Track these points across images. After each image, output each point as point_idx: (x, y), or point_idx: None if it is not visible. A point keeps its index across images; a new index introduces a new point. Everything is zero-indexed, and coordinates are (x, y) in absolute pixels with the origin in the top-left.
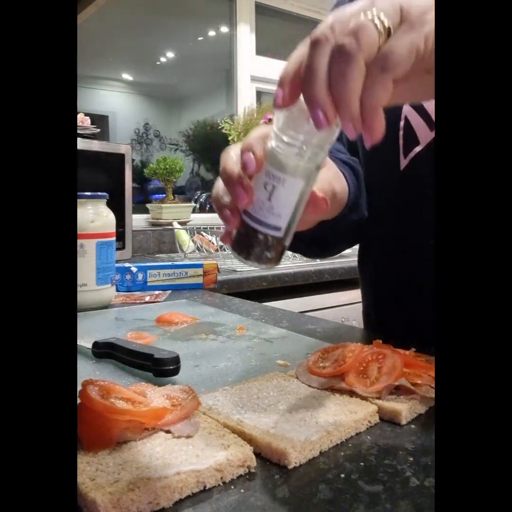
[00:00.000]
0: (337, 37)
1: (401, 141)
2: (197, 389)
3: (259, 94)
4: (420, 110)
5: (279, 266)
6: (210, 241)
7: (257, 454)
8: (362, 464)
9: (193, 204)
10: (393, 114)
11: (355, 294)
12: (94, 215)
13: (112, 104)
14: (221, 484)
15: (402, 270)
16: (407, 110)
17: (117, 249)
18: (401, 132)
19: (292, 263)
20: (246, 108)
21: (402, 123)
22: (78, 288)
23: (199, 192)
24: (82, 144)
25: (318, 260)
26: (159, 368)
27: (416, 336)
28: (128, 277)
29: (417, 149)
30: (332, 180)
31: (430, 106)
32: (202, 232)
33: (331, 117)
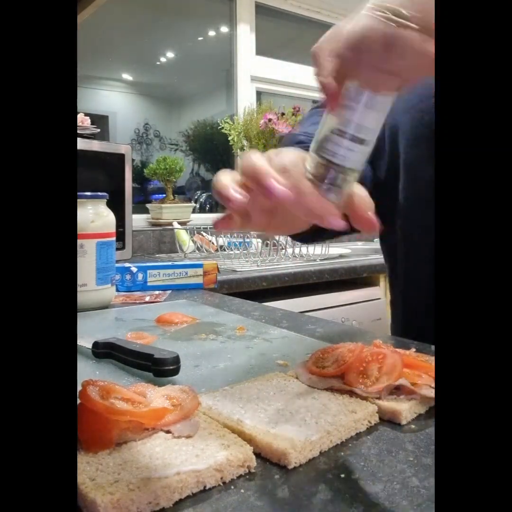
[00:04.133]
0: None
1: None
2: (197, 389)
3: (259, 94)
4: None
5: (279, 266)
6: (210, 241)
7: (257, 454)
8: (362, 464)
9: (193, 204)
10: (433, 102)
11: (355, 294)
12: (94, 215)
13: (112, 104)
14: (221, 484)
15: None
16: None
17: (117, 249)
18: None
19: (292, 263)
20: (246, 108)
21: None
22: (78, 288)
23: (199, 192)
24: (82, 144)
25: (317, 260)
26: (159, 368)
27: None
28: (128, 277)
29: None
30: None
31: None
32: (202, 232)
33: None
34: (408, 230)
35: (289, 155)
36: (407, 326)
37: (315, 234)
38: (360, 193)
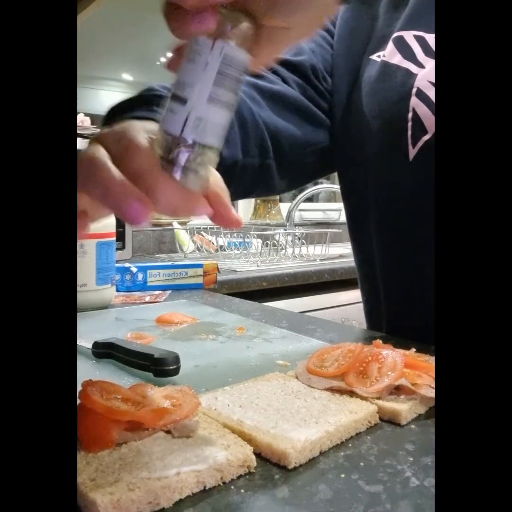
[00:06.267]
0: None
1: (409, 132)
2: (197, 389)
3: None
4: (426, 101)
5: (279, 266)
6: (210, 241)
7: (257, 454)
8: (362, 464)
9: None
10: (400, 108)
11: (355, 294)
12: None
13: (112, 104)
14: (221, 484)
15: (410, 265)
16: (414, 102)
17: (117, 249)
18: (409, 124)
19: (292, 263)
20: None
21: (410, 115)
22: (78, 288)
23: None
24: (82, 144)
25: (317, 260)
26: (159, 368)
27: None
28: (128, 277)
29: (425, 137)
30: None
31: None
32: (202, 232)
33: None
34: (383, 230)
35: (140, 149)
36: (389, 320)
37: None
38: (216, 181)
